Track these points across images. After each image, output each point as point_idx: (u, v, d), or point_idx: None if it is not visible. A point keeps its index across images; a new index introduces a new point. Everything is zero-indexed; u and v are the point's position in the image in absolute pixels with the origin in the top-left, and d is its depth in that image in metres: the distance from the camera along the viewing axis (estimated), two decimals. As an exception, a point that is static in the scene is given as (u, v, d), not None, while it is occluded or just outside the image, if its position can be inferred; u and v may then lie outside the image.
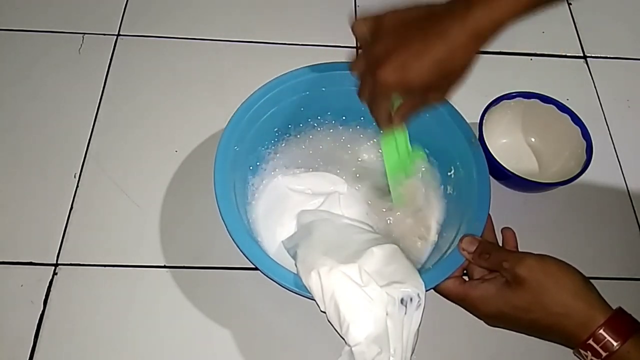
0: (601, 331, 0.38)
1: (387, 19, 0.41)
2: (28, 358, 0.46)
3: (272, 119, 0.51)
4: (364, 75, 0.43)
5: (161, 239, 0.52)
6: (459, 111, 0.50)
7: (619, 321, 0.39)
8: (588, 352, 0.39)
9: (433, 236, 0.51)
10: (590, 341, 0.38)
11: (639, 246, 0.56)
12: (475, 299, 0.43)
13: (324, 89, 0.52)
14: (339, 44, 0.67)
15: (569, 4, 0.73)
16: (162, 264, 0.51)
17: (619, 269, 0.54)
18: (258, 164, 0.53)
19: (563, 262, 0.43)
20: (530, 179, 0.52)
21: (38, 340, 0.47)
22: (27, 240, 0.51)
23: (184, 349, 0.47)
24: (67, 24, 0.65)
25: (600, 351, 0.38)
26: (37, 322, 0.47)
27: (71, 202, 0.53)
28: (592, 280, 0.54)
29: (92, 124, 0.58)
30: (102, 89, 0.61)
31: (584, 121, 0.54)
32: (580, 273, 0.42)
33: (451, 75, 0.40)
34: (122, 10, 0.67)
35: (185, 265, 0.51)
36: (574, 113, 0.55)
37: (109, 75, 0.62)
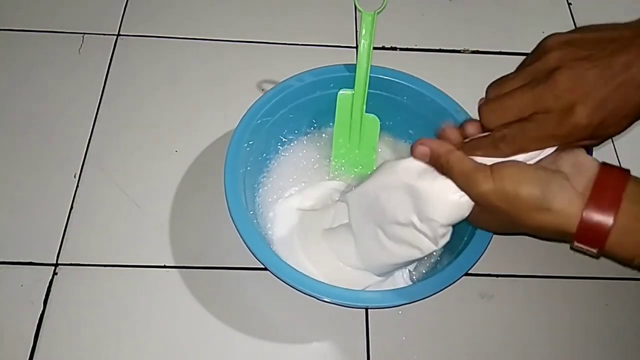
0: (586, 215, 0.33)
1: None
2: (28, 358, 0.46)
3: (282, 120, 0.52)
4: (523, 89, 0.34)
5: (161, 239, 0.52)
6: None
7: (601, 196, 0.33)
8: (582, 245, 0.34)
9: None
10: (575, 244, 0.34)
11: None
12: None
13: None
14: (340, 44, 0.67)
15: (569, 4, 0.73)
16: (163, 264, 0.51)
17: (619, 269, 0.54)
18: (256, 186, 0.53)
19: (516, 169, 0.35)
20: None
21: (38, 340, 0.47)
22: (27, 240, 0.51)
23: (184, 349, 0.47)
24: (67, 24, 0.65)
25: (593, 243, 0.34)
26: (37, 322, 0.47)
27: (71, 202, 0.53)
28: (592, 280, 0.54)
29: (92, 124, 0.58)
30: (102, 89, 0.61)
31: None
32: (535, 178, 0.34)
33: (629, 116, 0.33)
34: (122, 10, 0.67)
35: (186, 265, 0.51)
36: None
37: (109, 75, 0.62)
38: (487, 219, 0.38)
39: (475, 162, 0.36)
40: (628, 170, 0.35)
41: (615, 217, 0.32)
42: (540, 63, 0.34)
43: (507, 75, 0.36)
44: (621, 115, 0.33)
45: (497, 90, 0.36)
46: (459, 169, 0.36)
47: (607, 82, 0.32)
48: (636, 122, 0.34)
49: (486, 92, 0.37)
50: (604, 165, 0.35)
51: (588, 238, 0.33)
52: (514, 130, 0.35)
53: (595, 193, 0.33)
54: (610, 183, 0.33)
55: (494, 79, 0.37)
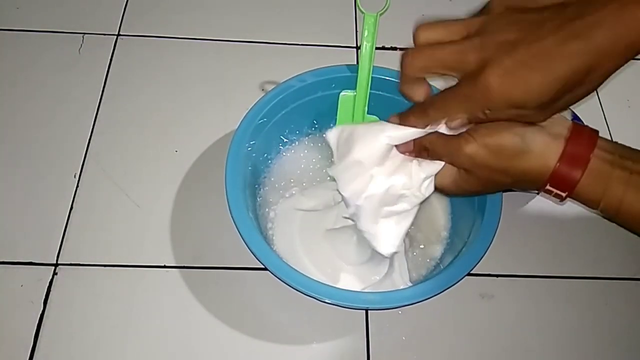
0: (557, 168, 0.35)
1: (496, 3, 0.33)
2: (28, 358, 0.46)
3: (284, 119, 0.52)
4: (459, 25, 0.34)
5: (162, 239, 0.52)
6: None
7: (577, 140, 0.35)
8: (551, 192, 0.37)
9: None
10: (549, 187, 0.36)
11: (639, 246, 0.56)
12: (436, 188, 0.41)
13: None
14: (340, 44, 0.67)
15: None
16: (163, 264, 0.51)
17: (619, 269, 0.54)
18: (257, 186, 0.53)
19: (492, 126, 0.36)
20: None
21: (38, 340, 0.47)
22: (27, 240, 0.51)
23: (184, 349, 0.47)
24: (67, 24, 0.65)
25: (561, 193, 0.36)
26: (37, 322, 0.47)
27: (71, 202, 0.53)
28: (592, 280, 0.54)
29: (92, 124, 0.58)
30: (102, 89, 0.61)
31: (583, 121, 0.54)
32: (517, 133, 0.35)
33: (579, 93, 0.31)
34: (122, 10, 0.67)
35: (186, 265, 0.51)
36: (574, 113, 0.55)
37: (109, 75, 0.62)
38: (472, 182, 0.39)
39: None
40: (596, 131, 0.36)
41: (588, 160, 0.34)
42: (477, 21, 0.34)
43: (443, 21, 0.35)
44: (535, 83, 0.30)
45: (427, 35, 0.35)
46: (441, 143, 0.37)
47: (528, 49, 0.30)
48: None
49: (415, 32, 0.35)
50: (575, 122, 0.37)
51: (563, 179, 0.35)
52: (442, 95, 0.35)
53: (573, 136, 0.35)
54: (585, 132, 0.36)
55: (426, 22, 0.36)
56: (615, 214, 0.36)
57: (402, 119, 0.38)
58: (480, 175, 0.37)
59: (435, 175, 0.40)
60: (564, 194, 0.36)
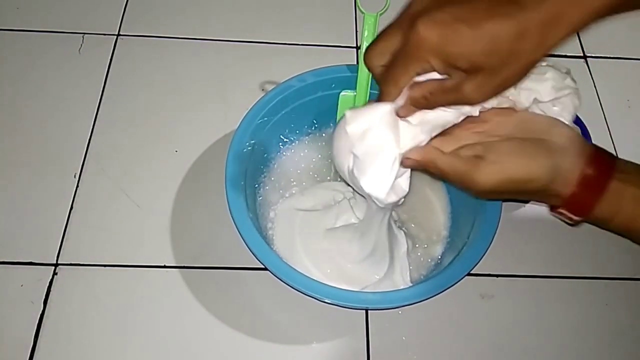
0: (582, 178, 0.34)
1: None
2: (28, 358, 0.46)
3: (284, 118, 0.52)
4: (393, 28, 0.34)
5: (161, 239, 0.52)
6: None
7: (598, 163, 0.35)
8: (564, 214, 0.37)
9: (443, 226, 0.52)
10: (561, 209, 0.36)
11: (639, 246, 0.56)
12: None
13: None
14: (340, 44, 0.67)
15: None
16: (163, 264, 0.51)
17: (619, 269, 0.54)
18: (256, 186, 0.53)
19: (504, 151, 0.35)
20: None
21: (38, 340, 0.47)
22: (27, 240, 0.51)
23: (184, 349, 0.47)
24: (67, 24, 0.65)
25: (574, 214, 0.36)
26: (37, 322, 0.47)
27: (71, 202, 0.53)
28: (592, 280, 0.54)
29: (92, 124, 0.58)
30: (102, 89, 0.61)
31: (584, 121, 0.54)
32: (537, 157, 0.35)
33: (509, 61, 0.31)
34: (122, 10, 0.67)
35: (186, 265, 0.51)
36: (579, 117, 0.55)
37: (109, 75, 0.62)
38: (482, 195, 0.38)
39: (464, 158, 0.36)
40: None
41: (606, 187, 0.34)
42: (405, 8, 0.34)
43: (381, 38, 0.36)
44: (464, 35, 0.30)
45: (377, 61, 0.36)
46: (453, 172, 0.36)
47: (461, 6, 0.31)
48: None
49: (367, 63, 0.37)
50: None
51: (578, 202, 0.35)
52: (388, 66, 0.35)
53: (593, 162, 0.34)
54: (605, 157, 0.35)
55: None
56: (627, 231, 0.36)
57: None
58: (489, 195, 0.37)
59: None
60: (578, 218, 0.36)
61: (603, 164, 0.35)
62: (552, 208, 0.37)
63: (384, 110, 0.37)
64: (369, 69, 0.37)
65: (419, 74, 0.34)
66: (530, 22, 0.30)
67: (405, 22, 0.33)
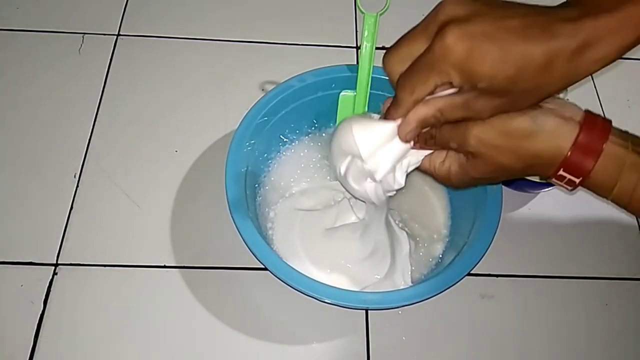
0: (570, 156, 0.33)
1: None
2: (28, 358, 0.46)
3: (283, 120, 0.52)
4: (417, 33, 0.33)
5: (161, 239, 0.52)
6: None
7: (592, 124, 0.34)
8: (563, 179, 0.35)
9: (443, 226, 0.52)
10: (562, 172, 0.35)
11: (639, 246, 0.56)
12: (442, 178, 0.39)
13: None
14: (340, 44, 0.67)
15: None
16: (163, 264, 0.51)
17: (619, 269, 0.54)
18: (257, 185, 0.53)
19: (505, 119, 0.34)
20: (530, 178, 0.52)
21: (38, 340, 0.47)
22: (27, 240, 0.51)
23: (184, 349, 0.47)
24: (67, 24, 0.65)
25: (574, 179, 0.35)
26: (37, 322, 0.47)
27: (71, 202, 0.53)
28: (592, 280, 0.54)
29: (92, 124, 0.58)
30: (102, 89, 0.61)
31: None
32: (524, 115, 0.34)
33: (531, 91, 0.31)
34: (122, 10, 0.67)
35: (186, 265, 0.51)
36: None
37: (109, 75, 0.62)
38: (480, 167, 0.37)
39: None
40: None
41: (603, 143, 0.33)
42: (433, 13, 0.33)
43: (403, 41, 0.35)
44: (491, 54, 0.30)
45: (398, 68, 0.35)
46: (449, 128, 0.35)
47: (492, 21, 0.30)
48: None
49: (386, 68, 0.36)
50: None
51: (578, 162, 0.34)
52: (406, 72, 0.34)
53: (587, 121, 0.34)
54: (599, 119, 0.34)
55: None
56: (628, 202, 0.35)
57: (387, 114, 0.37)
58: (489, 159, 0.35)
59: (440, 162, 0.39)
60: (577, 180, 0.35)
61: (598, 123, 0.34)
62: (552, 174, 0.36)
63: (391, 129, 0.37)
64: (387, 74, 0.36)
65: (437, 87, 0.33)
66: (560, 51, 0.29)
67: (433, 28, 0.32)
